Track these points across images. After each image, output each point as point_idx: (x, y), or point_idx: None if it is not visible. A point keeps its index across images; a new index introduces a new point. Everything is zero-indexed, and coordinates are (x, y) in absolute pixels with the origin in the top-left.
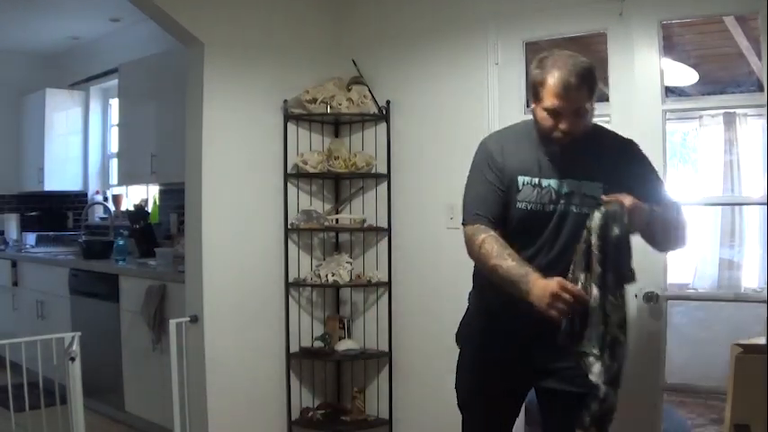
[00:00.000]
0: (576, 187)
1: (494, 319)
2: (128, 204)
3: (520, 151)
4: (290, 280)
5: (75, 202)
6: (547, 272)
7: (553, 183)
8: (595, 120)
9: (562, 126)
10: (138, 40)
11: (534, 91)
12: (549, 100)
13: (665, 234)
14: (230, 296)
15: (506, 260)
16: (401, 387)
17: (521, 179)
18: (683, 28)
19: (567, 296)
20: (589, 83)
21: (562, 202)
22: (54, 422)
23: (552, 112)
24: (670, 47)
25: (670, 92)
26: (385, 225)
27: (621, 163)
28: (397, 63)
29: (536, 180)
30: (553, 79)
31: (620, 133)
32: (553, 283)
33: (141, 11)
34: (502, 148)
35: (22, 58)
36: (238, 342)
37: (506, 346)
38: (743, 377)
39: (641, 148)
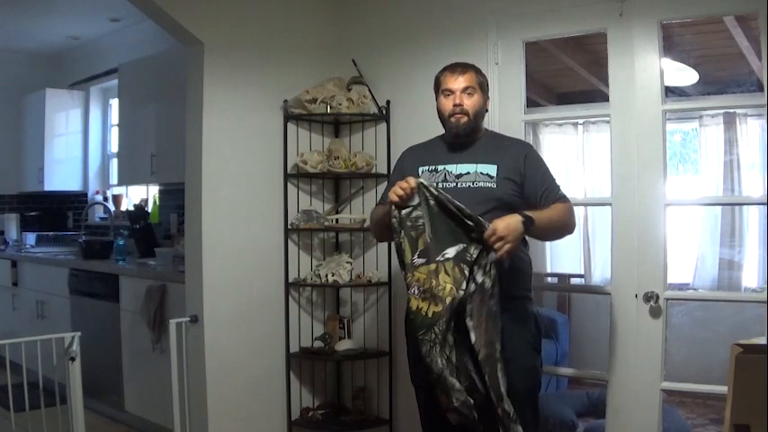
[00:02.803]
0: (472, 169)
1: None
2: (128, 204)
3: (425, 149)
4: (290, 280)
5: (75, 202)
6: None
7: (449, 167)
8: (595, 120)
9: (457, 101)
10: (138, 40)
11: (436, 88)
12: (444, 84)
13: (546, 236)
14: (230, 296)
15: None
16: (401, 387)
17: (420, 168)
18: (683, 28)
19: (398, 189)
20: (474, 70)
21: (458, 180)
22: (54, 422)
23: (448, 93)
24: (670, 47)
25: (670, 92)
26: None
27: (517, 154)
28: (397, 63)
29: (433, 166)
30: (445, 70)
31: (620, 133)
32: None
33: (141, 11)
34: (410, 151)
35: (22, 58)
36: (238, 342)
37: None
38: (743, 377)
39: (539, 154)
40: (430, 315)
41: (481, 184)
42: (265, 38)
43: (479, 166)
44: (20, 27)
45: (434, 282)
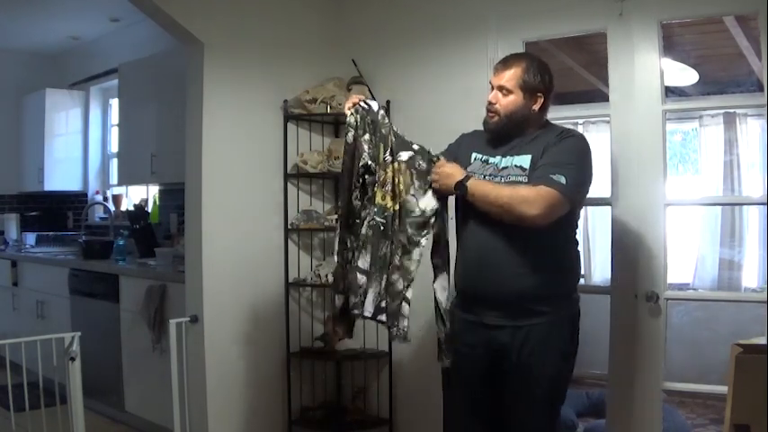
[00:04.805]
0: (509, 162)
1: (458, 297)
2: (128, 204)
3: (480, 137)
4: (290, 280)
5: (75, 202)
6: (488, 223)
7: (495, 159)
8: (595, 120)
9: (490, 98)
10: (138, 40)
11: None
12: (491, 75)
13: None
14: (230, 296)
15: None
16: (401, 387)
17: (473, 155)
18: (683, 28)
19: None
20: (522, 67)
21: (500, 174)
22: (54, 422)
23: (491, 86)
24: (670, 47)
25: (670, 92)
26: None
27: (549, 141)
28: (397, 63)
29: (485, 157)
30: (499, 61)
31: (620, 133)
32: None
33: (141, 11)
34: (469, 136)
35: (22, 58)
36: (238, 342)
37: (470, 325)
38: (743, 377)
39: (582, 144)
40: (391, 210)
41: (513, 177)
42: (265, 37)
43: (515, 158)
44: (20, 27)
45: (397, 179)
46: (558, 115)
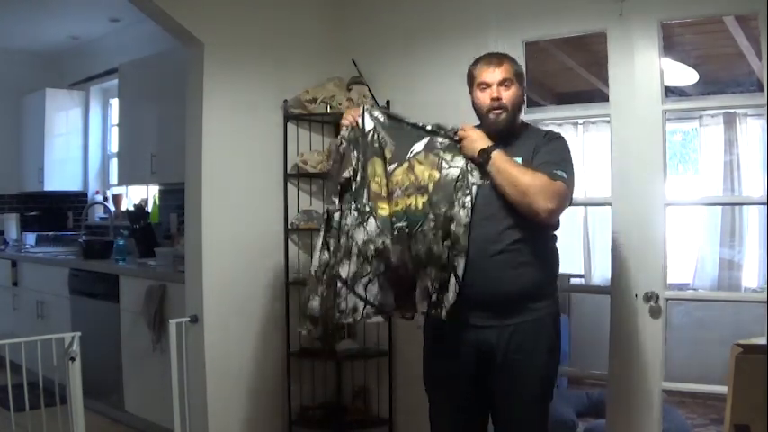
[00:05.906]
0: None
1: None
2: (128, 204)
3: None
4: (290, 280)
5: (75, 202)
6: (483, 221)
7: None
8: (595, 120)
9: (494, 95)
10: (138, 40)
11: (470, 82)
12: (480, 77)
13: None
14: (230, 296)
15: None
16: (401, 387)
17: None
18: (683, 28)
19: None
20: (510, 60)
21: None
22: (54, 422)
23: (484, 86)
24: (670, 47)
25: (670, 92)
26: None
27: (537, 143)
28: (397, 63)
29: None
30: (479, 62)
31: (620, 133)
32: None
33: (141, 11)
34: None
35: (22, 58)
36: (238, 342)
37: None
38: (743, 377)
39: (568, 146)
40: (420, 206)
41: None
42: (265, 38)
43: None
44: (20, 27)
45: (412, 176)
46: (559, 115)
